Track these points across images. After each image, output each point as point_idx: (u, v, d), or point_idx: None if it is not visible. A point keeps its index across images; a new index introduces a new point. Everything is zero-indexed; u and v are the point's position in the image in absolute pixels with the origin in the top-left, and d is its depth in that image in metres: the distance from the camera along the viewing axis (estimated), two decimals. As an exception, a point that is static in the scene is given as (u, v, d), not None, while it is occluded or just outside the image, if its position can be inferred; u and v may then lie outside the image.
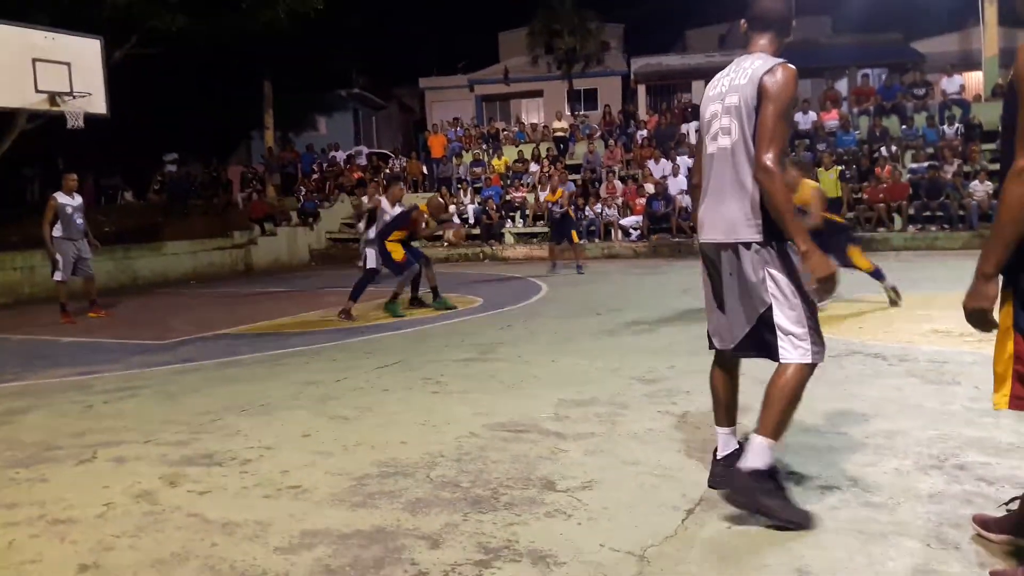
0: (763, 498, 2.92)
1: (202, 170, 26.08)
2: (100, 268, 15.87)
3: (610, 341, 7.14)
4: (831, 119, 19.78)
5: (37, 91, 12.16)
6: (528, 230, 19.20)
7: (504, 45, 35.08)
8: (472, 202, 19.96)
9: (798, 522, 2.92)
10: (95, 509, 3.46)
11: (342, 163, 24.38)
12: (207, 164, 26.44)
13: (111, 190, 25.14)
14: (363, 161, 24.57)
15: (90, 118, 12.70)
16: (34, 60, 12.10)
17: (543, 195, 17.49)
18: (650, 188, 18.10)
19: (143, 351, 7.78)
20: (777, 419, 2.95)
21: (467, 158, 22.42)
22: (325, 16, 20.66)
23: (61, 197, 10.32)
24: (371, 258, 9.72)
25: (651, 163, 19.32)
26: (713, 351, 3.36)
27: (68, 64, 12.52)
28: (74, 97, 12.52)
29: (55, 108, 12.45)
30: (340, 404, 5.17)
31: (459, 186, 21.04)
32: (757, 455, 2.96)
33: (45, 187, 24.11)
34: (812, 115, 19.61)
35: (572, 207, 14.71)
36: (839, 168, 16.85)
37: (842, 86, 23.69)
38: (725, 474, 3.22)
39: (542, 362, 6.27)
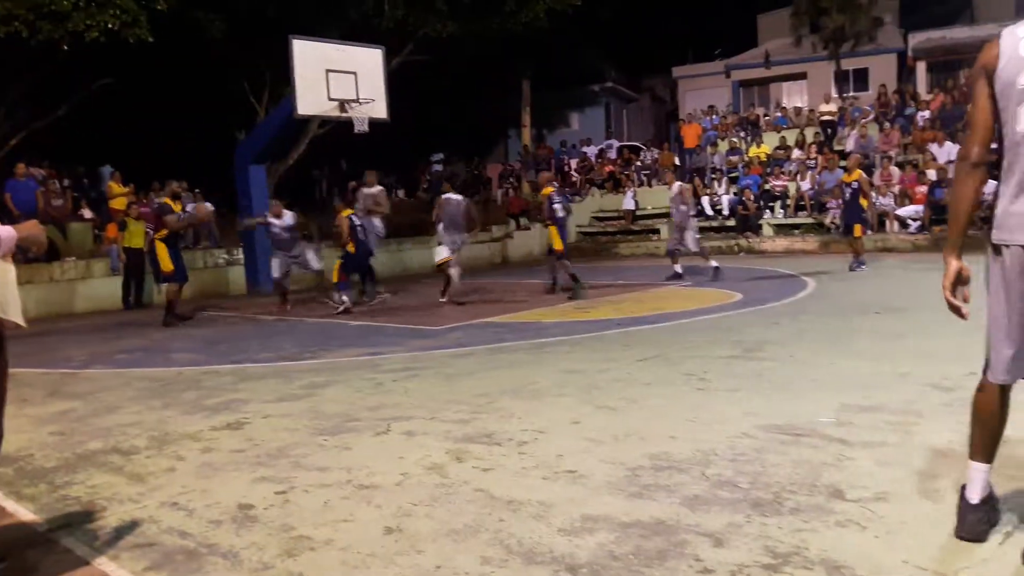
0: None
1: (464, 168, 27.70)
2: (375, 260, 17.53)
3: (894, 343, 6.54)
4: None
5: (329, 99, 13.62)
6: (789, 221, 18.15)
7: (764, 28, 33.47)
8: (727, 192, 19.29)
9: None
10: (394, 477, 3.78)
11: (593, 158, 24.70)
12: (469, 162, 28.02)
13: (386, 188, 27.49)
14: (614, 155, 24.71)
15: (372, 122, 13.99)
16: (327, 71, 13.56)
17: (830, 177, 15.83)
18: (932, 175, 16.34)
19: (421, 335, 8.42)
20: None
21: (722, 146, 21.70)
22: (579, 12, 21.05)
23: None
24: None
25: (934, 147, 17.43)
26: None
27: (355, 73, 13.88)
28: (360, 103, 13.85)
29: (344, 114, 13.86)
30: (604, 394, 5.22)
31: (713, 176, 20.43)
32: None
33: (332, 187, 26.94)
34: None
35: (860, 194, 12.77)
36: None
37: None
38: (983, 523, 2.78)
39: (816, 363, 5.89)
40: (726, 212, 18.88)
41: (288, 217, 11.48)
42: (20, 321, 2.89)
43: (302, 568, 2.88)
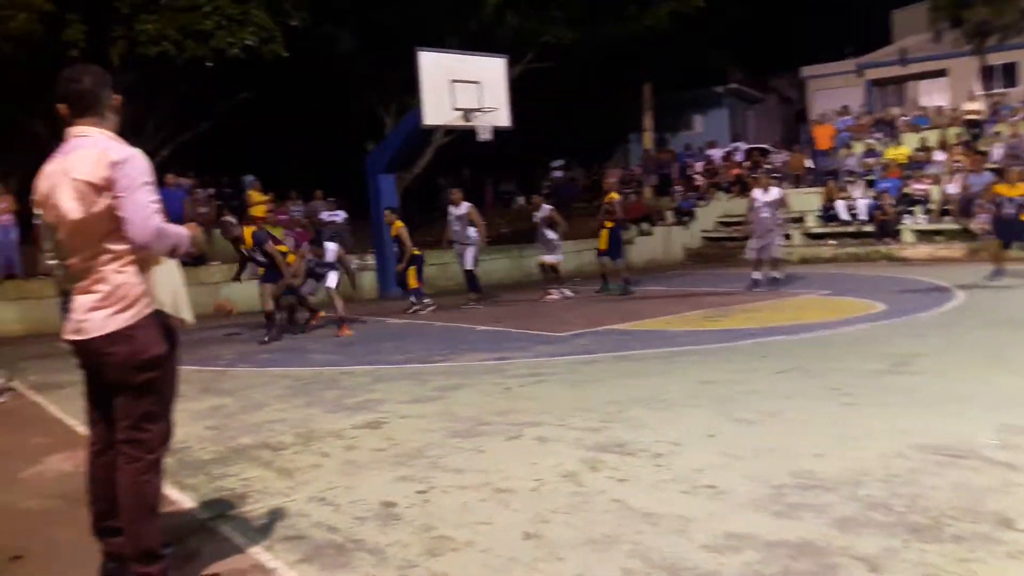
0: None
1: (584, 174, 27.64)
2: (497, 265, 17.79)
3: (1058, 359, 6.05)
4: None
5: (454, 109, 13.91)
6: (932, 227, 17.07)
7: (899, 23, 31.79)
8: (864, 196, 18.37)
9: None
10: (528, 483, 3.81)
11: (718, 161, 24.11)
12: (588, 168, 27.94)
13: (507, 195, 27.82)
14: (741, 157, 24.03)
15: (495, 130, 14.19)
16: (452, 81, 13.86)
17: (977, 180, 14.66)
18: (1097, 176, 14.97)
19: (545, 341, 8.45)
20: None
21: (857, 148, 20.70)
22: (702, 12, 20.63)
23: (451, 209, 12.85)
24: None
25: (1098, 146, 16.04)
26: None
27: (478, 83, 14.12)
28: (484, 112, 14.08)
29: (467, 123, 14.12)
30: (741, 407, 5.07)
31: (848, 179, 19.51)
32: None
33: (454, 193, 27.55)
34: None
35: None
36: None
37: None
38: None
39: (972, 379, 5.51)
40: (863, 217, 17.96)
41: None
42: (189, 318, 3.10)
43: (445, 568, 2.93)
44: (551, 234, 13.26)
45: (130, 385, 2.78)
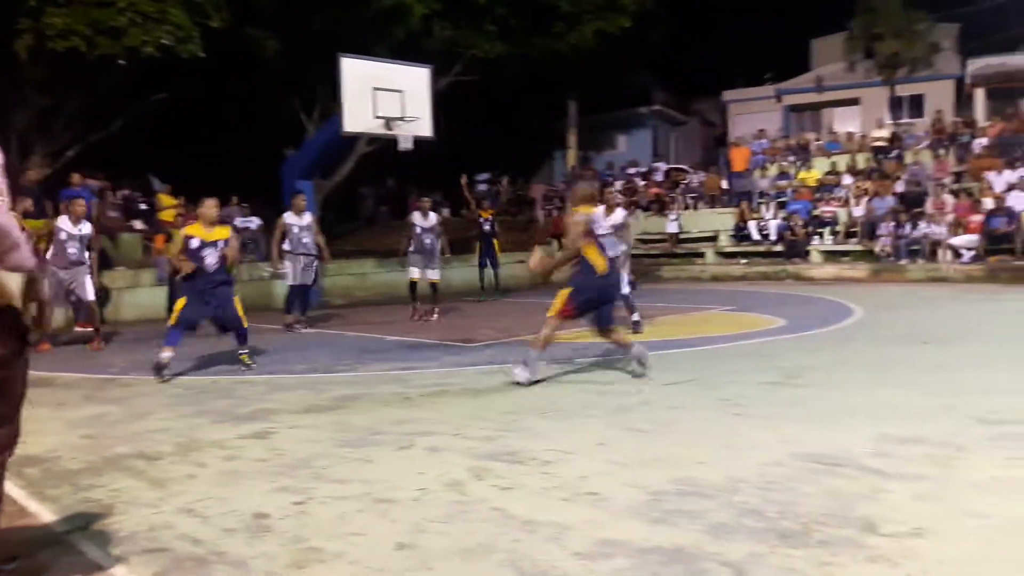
0: None
1: (508, 188, 27.72)
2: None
3: (940, 374, 6.29)
4: None
5: (375, 117, 13.76)
6: (839, 247, 17.72)
7: (818, 52, 33.00)
8: (775, 217, 18.96)
9: None
10: (412, 493, 3.72)
11: (638, 180, 24.53)
12: (513, 183, 28.06)
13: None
14: (660, 177, 24.50)
15: (418, 140, 14.10)
16: (374, 89, 13.71)
17: (881, 204, 15.65)
18: (989, 203, 15.84)
19: (455, 352, 8.38)
20: None
21: (771, 171, 21.38)
22: (628, 34, 21.03)
23: (289, 217, 10.77)
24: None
25: (991, 175, 16.92)
26: None
27: (401, 92, 14.01)
28: (405, 122, 13.97)
29: (389, 132, 13.99)
30: (634, 416, 5.10)
31: (761, 200, 20.12)
32: None
33: (378, 204, 27.25)
34: None
35: None
36: None
37: None
38: None
39: (858, 392, 5.67)
40: (773, 237, 18.53)
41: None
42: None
43: (309, 581, 2.82)
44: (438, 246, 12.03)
45: (-28, 386, 2.59)
